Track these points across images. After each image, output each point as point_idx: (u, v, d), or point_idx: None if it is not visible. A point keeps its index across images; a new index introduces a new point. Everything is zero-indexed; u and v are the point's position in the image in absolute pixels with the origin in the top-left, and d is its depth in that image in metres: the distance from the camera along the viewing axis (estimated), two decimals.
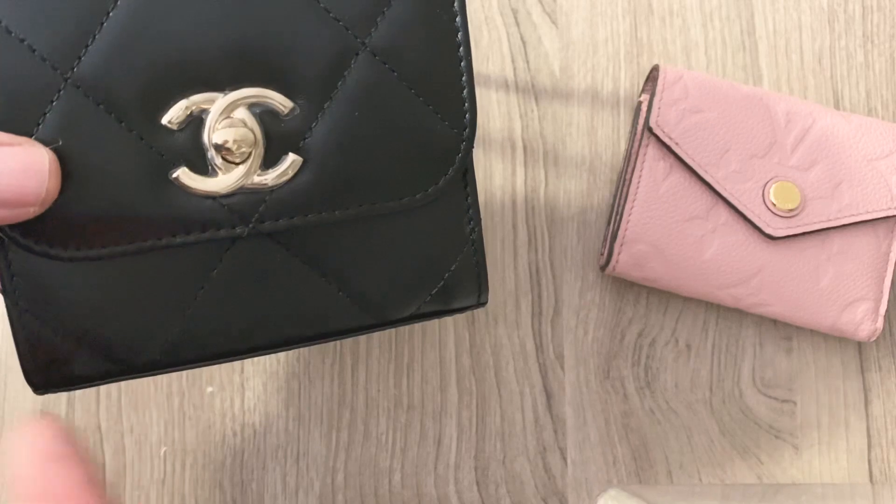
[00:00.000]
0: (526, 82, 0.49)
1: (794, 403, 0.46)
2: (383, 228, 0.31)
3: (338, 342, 0.45)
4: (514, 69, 0.49)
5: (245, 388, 0.45)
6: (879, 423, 0.47)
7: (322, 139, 0.29)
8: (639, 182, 0.45)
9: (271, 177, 0.28)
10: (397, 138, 0.30)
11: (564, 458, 0.45)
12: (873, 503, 0.46)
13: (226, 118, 0.27)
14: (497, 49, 0.49)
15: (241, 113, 0.27)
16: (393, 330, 0.46)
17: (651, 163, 0.45)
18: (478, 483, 0.45)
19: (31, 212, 0.25)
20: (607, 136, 0.49)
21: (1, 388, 0.44)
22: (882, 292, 0.45)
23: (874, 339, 0.46)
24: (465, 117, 0.31)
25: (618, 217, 0.45)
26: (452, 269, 0.33)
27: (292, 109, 0.28)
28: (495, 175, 0.48)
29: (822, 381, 0.47)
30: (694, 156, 0.44)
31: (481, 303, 0.34)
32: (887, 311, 0.47)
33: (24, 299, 0.28)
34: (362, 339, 0.46)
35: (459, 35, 0.30)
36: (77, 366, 0.29)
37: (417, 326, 0.46)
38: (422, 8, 0.29)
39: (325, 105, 0.29)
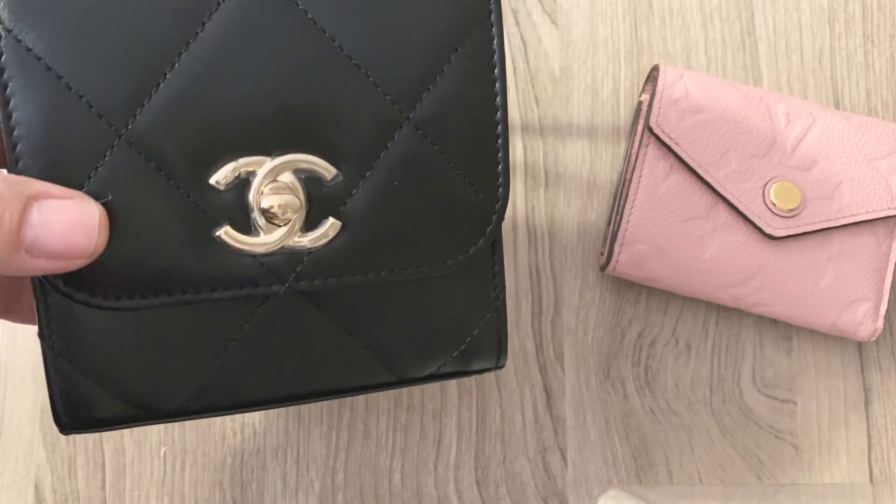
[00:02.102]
0: (526, 82, 0.49)
1: (794, 403, 0.46)
2: (411, 291, 0.32)
3: None
4: (514, 69, 0.49)
5: None
6: (879, 423, 0.47)
7: (361, 205, 0.30)
8: (639, 182, 0.45)
9: (310, 239, 0.29)
10: (433, 208, 0.31)
11: (564, 458, 0.45)
12: (873, 503, 0.46)
13: (271, 181, 0.28)
14: None
15: (287, 177, 0.28)
16: None
17: (651, 163, 0.45)
18: (478, 483, 0.45)
19: (78, 264, 0.26)
20: (607, 136, 0.49)
21: (1, 387, 0.44)
22: (882, 292, 0.45)
23: (874, 339, 0.46)
24: (498, 190, 0.32)
25: (618, 217, 0.45)
26: (475, 333, 0.34)
27: (335, 176, 0.29)
28: None
29: (822, 381, 0.47)
30: (694, 156, 0.44)
31: (499, 366, 0.35)
32: (887, 311, 0.47)
33: (59, 343, 0.28)
34: None
35: (499, 114, 0.31)
36: (105, 410, 0.30)
37: None
38: (466, 86, 0.31)
39: (367, 173, 0.30)
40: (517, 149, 0.48)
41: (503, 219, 0.32)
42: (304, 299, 0.31)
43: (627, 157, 0.47)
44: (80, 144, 0.26)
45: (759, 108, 0.45)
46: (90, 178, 0.27)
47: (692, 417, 0.46)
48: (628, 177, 0.45)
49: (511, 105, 0.48)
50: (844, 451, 0.46)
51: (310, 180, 0.29)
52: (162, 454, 0.44)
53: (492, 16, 0.31)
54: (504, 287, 0.34)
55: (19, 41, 0.26)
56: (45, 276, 0.27)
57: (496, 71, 0.31)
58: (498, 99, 0.31)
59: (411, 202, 0.30)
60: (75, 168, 0.26)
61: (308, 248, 0.29)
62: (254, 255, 0.29)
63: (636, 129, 0.47)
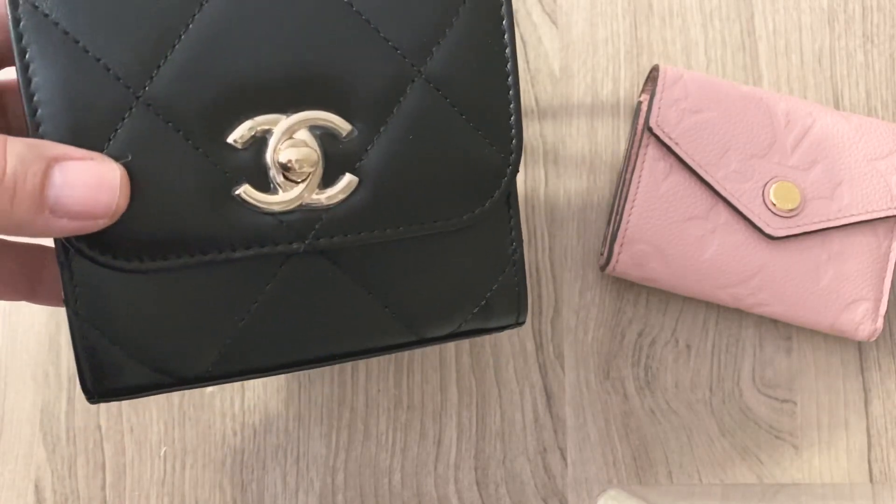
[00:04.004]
0: (526, 82, 0.49)
1: (794, 403, 0.46)
2: (429, 248, 0.32)
3: None
4: None
5: (245, 388, 0.45)
6: (879, 423, 0.47)
7: (377, 161, 0.30)
8: (639, 182, 0.45)
9: (328, 195, 0.29)
10: (448, 161, 0.31)
11: (564, 458, 0.45)
12: (873, 503, 0.46)
13: (288, 138, 0.28)
14: None
15: (303, 134, 0.29)
16: None
17: (651, 163, 0.45)
18: (478, 483, 0.45)
19: (100, 224, 0.26)
20: (607, 136, 0.49)
21: (1, 387, 0.44)
22: (882, 292, 0.45)
23: (874, 339, 0.46)
24: (511, 142, 0.32)
25: (618, 217, 0.45)
26: (494, 288, 0.34)
27: (350, 132, 0.29)
28: None
29: (822, 381, 0.47)
30: (694, 156, 0.44)
31: (519, 322, 0.35)
32: (887, 311, 0.47)
33: (84, 309, 0.29)
34: None
35: (509, 65, 0.32)
36: (132, 377, 0.30)
37: None
38: (475, 38, 0.31)
39: (381, 129, 0.30)
40: None
41: (518, 171, 0.32)
42: (325, 259, 0.31)
43: (627, 158, 0.47)
44: (100, 107, 0.27)
45: (759, 108, 0.45)
46: (110, 140, 0.27)
47: (692, 417, 0.46)
48: (628, 177, 0.45)
49: None
50: (844, 451, 0.46)
51: (326, 137, 0.29)
52: (162, 454, 0.44)
53: None
54: (521, 241, 0.34)
55: (37, 7, 0.26)
56: (68, 240, 0.27)
57: (504, 22, 0.31)
58: (507, 50, 0.31)
59: (426, 156, 0.31)
60: (95, 131, 0.27)
61: (326, 206, 0.29)
62: (273, 214, 0.29)
63: (636, 130, 0.47)
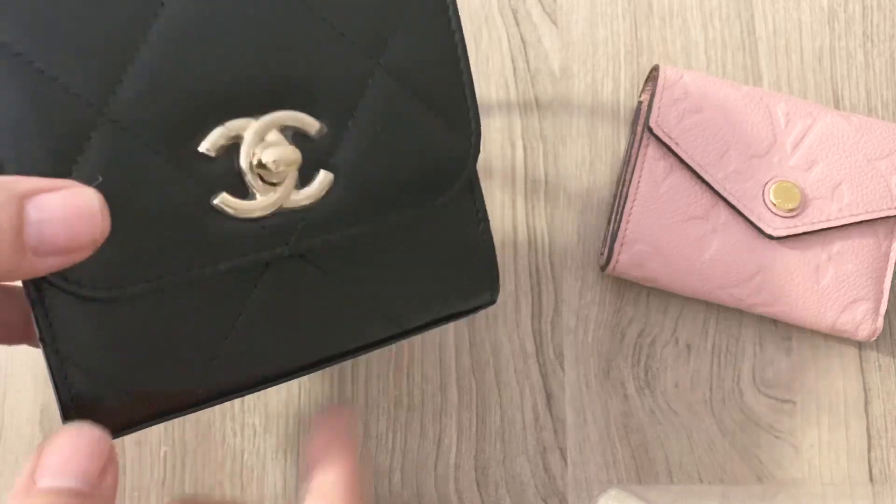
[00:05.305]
0: (526, 82, 0.49)
1: (794, 403, 0.46)
2: (402, 242, 0.33)
3: None
4: (514, 69, 0.49)
5: None
6: (879, 423, 0.47)
7: (348, 155, 0.30)
8: (639, 182, 0.45)
9: (307, 194, 0.29)
10: (415, 149, 0.31)
11: (564, 458, 0.45)
12: (873, 503, 0.46)
13: (260, 141, 0.28)
14: (497, 49, 0.49)
15: (274, 136, 0.28)
16: None
17: (651, 163, 0.45)
18: (478, 483, 0.45)
19: (86, 254, 0.25)
20: (607, 136, 0.49)
21: (1, 387, 0.44)
22: (882, 292, 0.45)
23: (874, 338, 0.46)
24: (471, 125, 0.33)
25: (618, 217, 0.45)
26: (467, 270, 0.35)
27: (320, 129, 0.29)
28: (495, 175, 0.48)
29: (822, 381, 0.47)
30: (694, 156, 0.44)
31: (493, 301, 0.36)
32: (887, 311, 0.47)
33: (65, 346, 0.27)
34: None
35: (459, 50, 0.32)
36: (123, 415, 0.28)
37: None
38: (425, 27, 0.31)
39: (349, 123, 0.30)
40: (517, 149, 0.48)
41: (479, 152, 0.33)
42: (304, 262, 0.30)
43: (627, 157, 0.47)
44: (62, 129, 0.25)
45: (759, 108, 0.45)
46: (77, 162, 0.26)
47: (692, 417, 0.46)
48: (628, 177, 0.45)
49: (511, 105, 0.48)
50: (844, 451, 0.46)
51: (297, 137, 0.29)
52: (162, 454, 0.44)
53: None
54: (488, 221, 0.35)
55: None
56: (45, 279, 0.26)
57: (451, 9, 0.32)
58: (456, 35, 0.32)
59: (395, 146, 0.31)
60: (60, 153, 0.25)
61: (305, 205, 0.29)
62: (254, 220, 0.28)
63: (636, 130, 0.47)
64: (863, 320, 0.45)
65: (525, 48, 0.49)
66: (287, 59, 0.29)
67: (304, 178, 0.29)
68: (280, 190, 0.28)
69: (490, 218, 0.47)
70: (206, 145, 0.27)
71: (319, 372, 0.45)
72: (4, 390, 0.44)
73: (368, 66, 0.30)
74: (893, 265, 0.45)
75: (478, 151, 0.33)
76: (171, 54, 0.27)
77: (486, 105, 0.48)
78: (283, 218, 0.29)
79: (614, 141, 0.48)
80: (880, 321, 0.45)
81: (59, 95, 0.25)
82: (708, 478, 0.45)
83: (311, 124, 0.29)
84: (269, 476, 0.44)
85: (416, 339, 0.46)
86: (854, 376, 0.47)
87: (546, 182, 0.48)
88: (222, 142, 0.28)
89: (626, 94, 0.49)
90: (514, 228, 0.47)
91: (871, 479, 0.46)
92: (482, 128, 0.48)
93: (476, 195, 0.34)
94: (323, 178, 0.29)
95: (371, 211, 0.31)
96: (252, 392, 0.31)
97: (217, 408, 0.44)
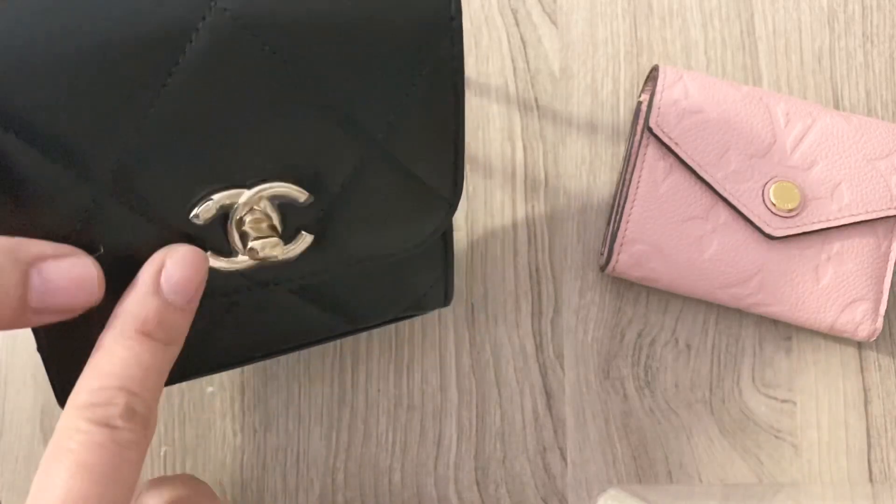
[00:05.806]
0: (526, 82, 0.49)
1: (794, 403, 0.46)
2: (375, 273, 0.36)
3: (338, 342, 0.45)
4: (514, 69, 0.49)
5: (245, 388, 0.45)
6: (879, 423, 0.47)
7: (333, 219, 0.31)
8: (639, 182, 0.45)
9: (286, 251, 0.31)
10: (399, 211, 0.33)
11: (564, 458, 0.45)
12: (873, 503, 0.46)
13: (249, 209, 0.29)
14: (497, 49, 0.49)
15: (263, 204, 0.29)
16: (393, 330, 0.46)
17: (651, 163, 0.45)
18: (478, 483, 0.45)
19: (78, 313, 0.27)
20: (607, 136, 0.49)
21: (1, 387, 0.44)
22: (882, 292, 0.45)
23: (874, 338, 0.46)
24: (455, 188, 0.34)
25: (618, 217, 0.45)
26: (427, 290, 0.39)
27: (308, 198, 0.30)
28: (495, 175, 0.48)
29: (822, 381, 0.47)
30: (694, 156, 0.44)
31: (447, 304, 0.41)
32: (887, 311, 0.47)
33: (62, 358, 0.30)
34: (362, 339, 0.46)
35: (459, 117, 0.32)
36: None
37: (418, 327, 0.46)
38: (429, 102, 0.31)
39: (337, 192, 0.31)
40: (517, 149, 0.48)
41: (456, 210, 0.35)
42: (282, 289, 0.34)
43: (627, 158, 0.47)
44: (62, 198, 0.26)
45: (759, 108, 0.45)
46: (77, 230, 0.27)
47: (692, 417, 0.46)
48: (628, 177, 0.45)
49: (511, 105, 0.48)
50: (844, 451, 0.46)
51: (284, 204, 0.30)
52: (162, 454, 0.44)
53: (453, 22, 0.30)
54: (453, 260, 0.39)
55: None
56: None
57: (457, 77, 0.31)
58: (458, 104, 0.32)
59: (380, 211, 0.32)
60: (60, 222, 0.26)
61: (285, 260, 0.31)
62: (236, 271, 0.31)
63: (636, 130, 0.47)
64: (862, 320, 0.45)
65: (525, 48, 0.49)
66: (280, 133, 0.28)
67: (287, 238, 0.31)
68: (262, 253, 0.30)
69: (490, 218, 0.47)
70: (197, 213, 0.28)
71: (319, 371, 0.45)
72: (4, 390, 0.44)
73: (369, 147, 0.30)
74: (893, 265, 0.45)
75: (455, 209, 0.35)
76: (169, 129, 0.27)
77: (487, 105, 0.48)
78: (264, 268, 0.31)
79: (614, 141, 0.48)
80: (880, 321, 0.45)
81: (59, 169, 0.26)
82: (708, 478, 0.45)
83: (300, 195, 0.30)
84: (268, 476, 0.44)
85: (416, 339, 0.46)
86: (854, 376, 0.47)
87: (546, 182, 0.48)
88: (212, 211, 0.28)
89: (625, 94, 0.49)
90: (514, 228, 0.47)
91: (870, 478, 0.46)
92: (483, 128, 0.48)
93: (448, 241, 0.38)
94: (303, 238, 0.31)
95: (350, 259, 0.33)
96: (215, 372, 0.37)
97: (217, 408, 0.44)
